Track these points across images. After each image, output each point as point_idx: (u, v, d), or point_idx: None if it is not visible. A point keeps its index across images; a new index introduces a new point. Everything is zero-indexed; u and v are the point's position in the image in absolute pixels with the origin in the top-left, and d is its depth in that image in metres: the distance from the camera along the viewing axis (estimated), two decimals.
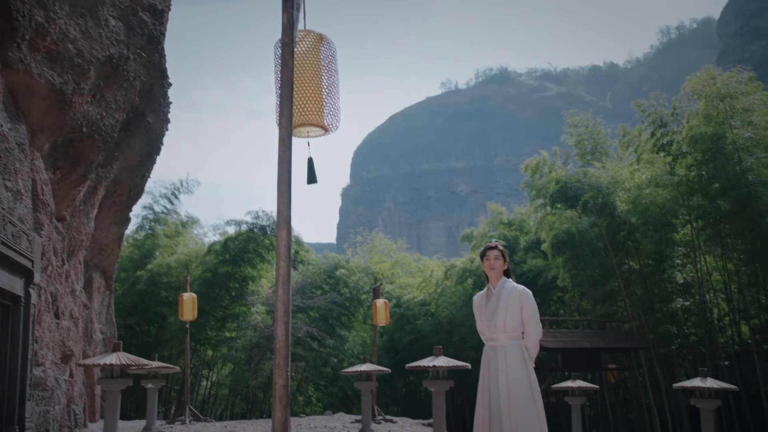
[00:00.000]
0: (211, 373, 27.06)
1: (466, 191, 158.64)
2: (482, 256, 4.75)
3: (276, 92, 3.33)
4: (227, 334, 25.59)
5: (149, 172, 16.00)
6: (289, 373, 3.15)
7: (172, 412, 22.02)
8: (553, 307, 26.29)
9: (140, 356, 12.15)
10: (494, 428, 4.27)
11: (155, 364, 11.16)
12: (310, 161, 3.50)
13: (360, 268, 28.78)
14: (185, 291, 13.75)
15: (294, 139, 3.44)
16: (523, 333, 4.51)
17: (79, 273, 13.44)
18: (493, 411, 4.31)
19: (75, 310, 13.13)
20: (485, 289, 4.77)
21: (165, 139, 15.97)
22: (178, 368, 12.30)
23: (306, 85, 3.25)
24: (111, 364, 7.23)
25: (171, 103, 15.38)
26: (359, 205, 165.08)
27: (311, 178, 3.46)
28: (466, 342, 25.20)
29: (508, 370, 4.34)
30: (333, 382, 26.57)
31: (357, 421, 12.77)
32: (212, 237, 27.49)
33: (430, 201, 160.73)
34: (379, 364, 17.39)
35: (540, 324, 4.58)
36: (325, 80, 3.39)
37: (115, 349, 7.56)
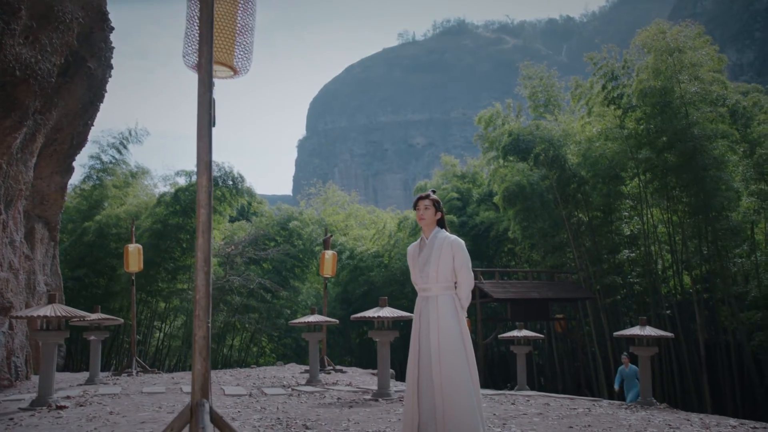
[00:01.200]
0: (164, 324, 26.86)
1: (422, 144, 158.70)
2: (414, 206, 4.70)
3: (186, 29, 3.18)
4: (179, 286, 25.35)
5: (92, 120, 15.44)
6: (209, 325, 3.06)
7: (124, 363, 21.88)
8: (505, 259, 26.69)
9: (89, 308, 11.96)
10: (424, 378, 4.24)
11: (96, 316, 10.95)
12: (211, 102, 3.43)
13: (314, 220, 28.67)
14: (131, 242, 13.47)
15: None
16: (455, 283, 4.48)
17: (18, 223, 13.03)
18: (423, 360, 4.28)
19: (15, 261, 12.76)
20: (419, 240, 4.70)
21: (112, 88, 15.43)
22: (121, 320, 12.09)
23: (218, 21, 3.07)
24: (45, 316, 7.05)
25: (114, 48, 14.78)
26: (315, 157, 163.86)
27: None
28: None
29: (439, 319, 4.32)
30: (287, 333, 26.65)
31: (307, 371, 12.83)
32: (162, 188, 26.99)
33: (386, 153, 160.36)
34: (332, 315, 17.47)
35: (472, 274, 4.58)
36: (239, 19, 3.19)
37: (50, 301, 7.37)
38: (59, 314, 7.13)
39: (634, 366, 14.02)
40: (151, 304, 25.17)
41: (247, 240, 25.87)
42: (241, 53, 3.21)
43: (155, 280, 24.18)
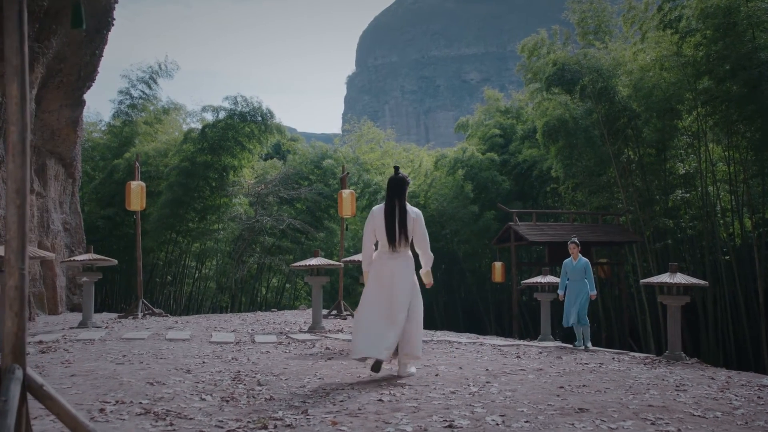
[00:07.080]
0: (201, 265, 26.48)
1: (477, 79, 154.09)
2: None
3: None
4: (209, 227, 24.84)
5: (100, 50, 14.59)
6: (25, 272, 2.22)
7: (131, 306, 21.71)
8: (549, 200, 25.28)
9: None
10: (395, 307, 5.44)
11: (87, 256, 10.27)
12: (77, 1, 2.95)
13: (349, 158, 27.61)
14: (134, 179, 12.73)
15: None
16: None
17: None
18: (394, 296, 5.50)
19: None
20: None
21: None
22: (115, 261, 11.29)
23: None
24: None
25: None
26: (365, 94, 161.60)
27: (76, 21, 3.00)
28: (458, 234, 24.43)
29: (405, 273, 5.62)
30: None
31: (324, 316, 12.14)
32: (191, 124, 26.26)
33: (439, 89, 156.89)
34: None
35: None
36: None
37: None
38: None
39: (585, 259, 9.71)
40: (181, 244, 24.76)
41: (277, 179, 25.05)
42: None
43: (184, 220, 23.69)
